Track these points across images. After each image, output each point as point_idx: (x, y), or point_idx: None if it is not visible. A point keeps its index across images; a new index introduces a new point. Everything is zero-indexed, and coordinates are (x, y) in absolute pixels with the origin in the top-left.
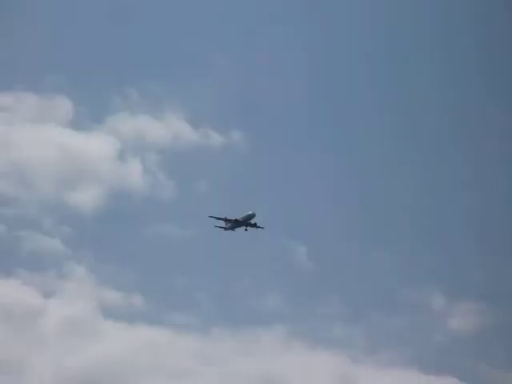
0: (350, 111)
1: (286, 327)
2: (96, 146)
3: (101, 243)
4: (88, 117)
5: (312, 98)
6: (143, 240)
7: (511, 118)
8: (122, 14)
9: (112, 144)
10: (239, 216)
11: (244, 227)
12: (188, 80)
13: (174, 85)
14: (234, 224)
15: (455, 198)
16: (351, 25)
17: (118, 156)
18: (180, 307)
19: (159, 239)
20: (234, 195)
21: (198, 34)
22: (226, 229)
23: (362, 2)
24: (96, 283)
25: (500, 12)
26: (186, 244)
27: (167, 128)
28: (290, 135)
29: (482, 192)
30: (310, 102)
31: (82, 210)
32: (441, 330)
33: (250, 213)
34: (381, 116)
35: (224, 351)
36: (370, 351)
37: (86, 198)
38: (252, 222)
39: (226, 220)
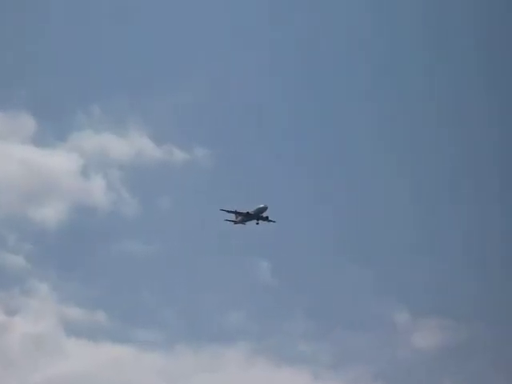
0: (315, 128)
1: (250, 344)
2: (59, 163)
3: (64, 260)
4: (51, 133)
5: (276, 114)
6: (107, 256)
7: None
8: (85, 32)
9: (75, 160)
10: (251, 209)
11: (255, 221)
12: (151, 97)
13: (136, 102)
14: (245, 217)
15: (421, 216)
16: (323, 41)
17: (82, 172)
18: (144, 324)
19: (123, 255)
20: (197, 212)
21: (161, 50)
22: (236, 222)
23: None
24: (59, 300)
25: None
26: (150, 260)
27: (130, 145)
28: (255, 152)
29: (449, 211)
30: (274, 119)
31: (46, 227)
32: (405, 346)
33: (262, 206)
34: (357, 131)
35: (188, 368)
36: (334, 367)
37: (50, 214)
38: (264, 215)
39: (236, 213)
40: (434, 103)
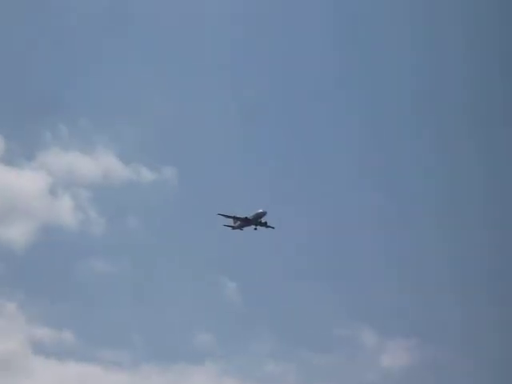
0: (278, 145)
1: (217, 364)
2: (27, 182)
3: (32, 279)
4: (19, 153)
5: (242, 133)
6: (74, 276)
7: None
8: (52, 50)
9: (43, 180)
10: (249, 214)
11: (253, 226)
12: (119, 116)
13: (104, 121)
14: (244, 223)
15: (389, 239)
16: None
17: (50, 192)
18: (111, 344)
19: (90, 275)
20: (164, 231)
21: (128, 70)
22: (234, 228)
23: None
24: (27, 320)
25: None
26: (117, 280)
27: (98, 164)
28: (222, 170)
29: (414, 232)
30: (239, 137)
31: (13, 247)
32: (373, 367)
33: (261, 211)
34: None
35: None
36: None
37: (18, 233)
38: (262, 220)
39: (235, 218)
40: None
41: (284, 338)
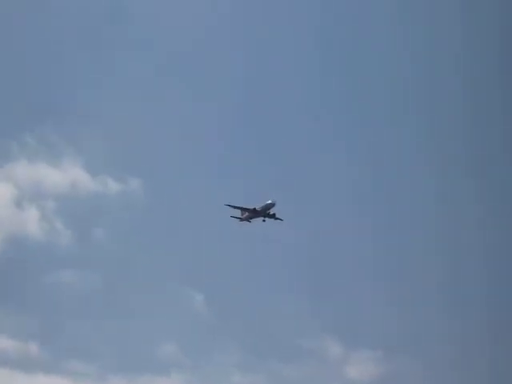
0: (244, 155)
1: (183, 375)
2: None
3: None
4: None
5: (211, 145)
6: (40, 288)
7: None
8: (18, 59)
9: (9, 191)
10: (258, 205)
11: (262, 218)
12: (85, 127)
13: (71, 132)
14: (252, 214)
15: (356, 253)
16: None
17: (16, 203)
18: (77, 355)
19: (56, 287)
20: (131, 242)
21: (95, 83)
22: (241, 220)
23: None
24: None
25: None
26: (84, 292)
27: (64, 175)
28: (190, 183)
29: (381, 244)
30: (207, 148)
31: None
32: (338, 378)
33: (269, 202)
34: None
35: None
36: None
37: None
38: (271, 212)
39: (242, 209)
40: None
41: (251, 349)
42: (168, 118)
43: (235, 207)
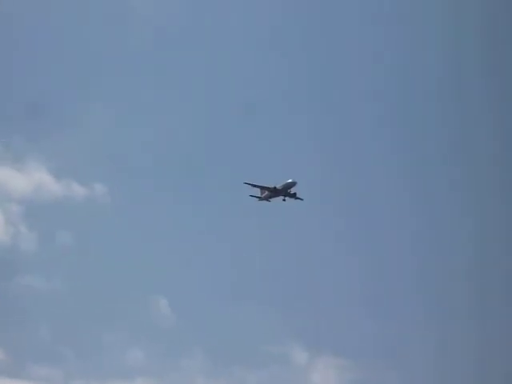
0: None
1: (148, 381)
2: None
3: None
4: None
5: (177, 150)
6: (4, 292)
7: None
8: None
9: None
10: (278, 184)
11: (282, 197)
12: (50, 131)
13: (35, 136)
14: (272, 193)
15: (319, 260)
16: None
17: None
18: (41, 360)
19: (21, 291)
20: (97, 247)
21: (61, 84)
22: (261, 198)
23: None
24: None
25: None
26: (49, 296)
27: (29, 179)
28: (155, 188)
29: (351, 248)
30: (172, 156)
31: None
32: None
33: (290, 181)
34: None
35: None
36: None
37: None
38: (291, 191)
39: (262, 188)
40: None
41: (216, 355)
42: (136, 122)
43: (254, 185)
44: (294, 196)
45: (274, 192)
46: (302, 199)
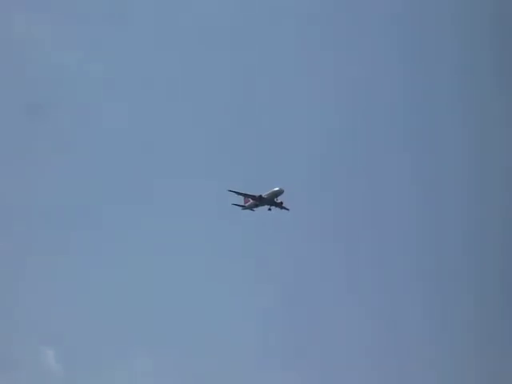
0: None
1: None
2: None
3: None
4: None
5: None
6: None
7: None
8: None
9: None
10: (264, 192)
11: (268, 206)
12: None
13: None
14: (257, 202)
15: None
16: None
17: None
18: None
19: None
20: None
21: None
22: (244, 208)
23: None
24: None
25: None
26: None
27: None
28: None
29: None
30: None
31: None
32: None
33: (277, 189)
34: None
35: None
36: None
37: None
38: (278, 200)
39: (246, 196)
40: None
41: None
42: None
43: (239, 193)
44: (280, 205)
45: (259, 200)
46: (288, 209)
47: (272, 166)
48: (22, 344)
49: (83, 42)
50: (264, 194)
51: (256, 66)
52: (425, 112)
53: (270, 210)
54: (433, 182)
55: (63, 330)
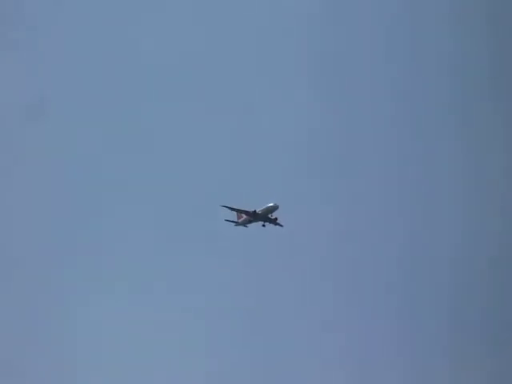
0: None
1: None
2: None
3: None
4: None
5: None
6: None
7: None
8: None
9: None
10: (258, 208)
11: (262, 223)
12: None
13: None
14: (251, 218)
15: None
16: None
17: None
18: None
19: None
20: None
21: None
22: (237, 224)
23: None
24: None
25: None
26: None
27: None
28: None
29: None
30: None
31: None
32: None
33: (272, 205)
34: None
35: None
36: None
37: None
38: (272, 216)
39: (240, 212)
40: None
41: None
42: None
43: (232, 209)
44: (274, 221)
45: (253, 216)
46: (282, 226)
47: (265, 181)
48: None
49: None
50: (258, 210)
51: (255, 69)
52: (424, 112)
53: (263, 226)
54: (433, 182)
55: None
